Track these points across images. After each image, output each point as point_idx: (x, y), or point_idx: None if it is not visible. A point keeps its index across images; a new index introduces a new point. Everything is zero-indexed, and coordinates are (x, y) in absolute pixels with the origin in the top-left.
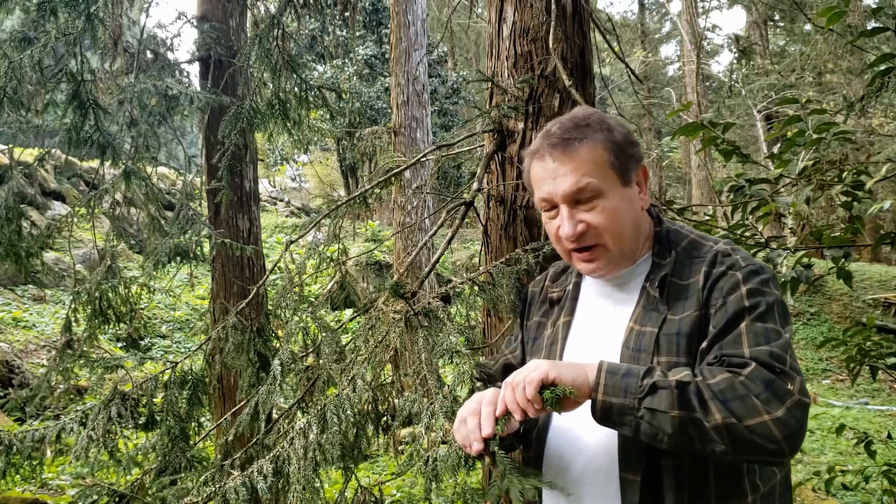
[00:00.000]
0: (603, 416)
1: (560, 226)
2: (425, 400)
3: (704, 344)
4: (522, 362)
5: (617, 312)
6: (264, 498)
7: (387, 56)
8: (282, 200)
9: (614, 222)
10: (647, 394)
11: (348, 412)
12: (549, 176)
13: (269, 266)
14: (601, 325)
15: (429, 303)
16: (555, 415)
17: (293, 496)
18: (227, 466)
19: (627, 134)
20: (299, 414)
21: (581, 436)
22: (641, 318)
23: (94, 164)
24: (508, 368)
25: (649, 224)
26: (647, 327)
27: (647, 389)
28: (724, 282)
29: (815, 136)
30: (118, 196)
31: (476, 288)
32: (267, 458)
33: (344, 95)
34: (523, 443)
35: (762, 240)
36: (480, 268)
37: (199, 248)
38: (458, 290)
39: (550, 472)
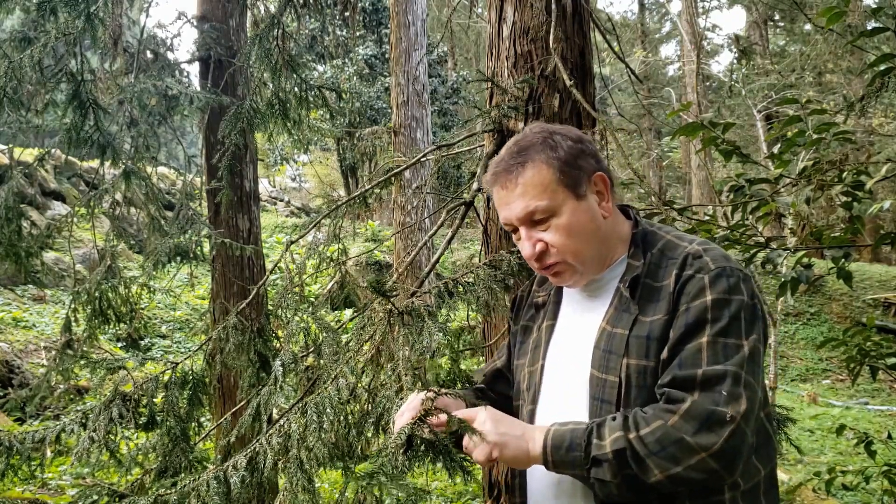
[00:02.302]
0: (559, 467)
1: (522, 247)
2: (397, 398)
3: (665, 353)
4: (509, 367)
5: (593, 315)
6: (235, 493)
7: (387, 56)
8: (282, 200)
9: (571, 239)
10: (592, 465)
11: (328, 410)
12: (501, 203)
13: (269, 266)
14: (579, 328)
15: (411, 302)
16: (538, 414)
17: (283, 496)
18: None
19: (576, 147)
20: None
21: None
22: (613, 318)
23: (94, 164)
24: (497, 373)
25: (627, 226)
26: (618, 328)
27: (591, 462)
28: (692, 286)
29: (815, 136)
30: (118, 196)
31: (461, 289)
32: (242, 453)
33: (344, 95)
34: None
35: (762, 240)
36: (462, 270)
37: (199, 248)
38: (441, 290)
39: (535, 471)
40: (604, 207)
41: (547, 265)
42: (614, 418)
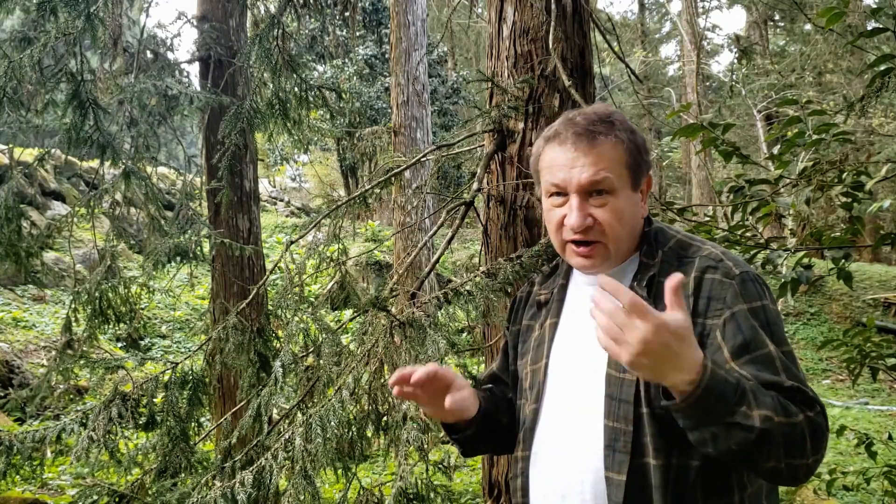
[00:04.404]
0: (685, 410)
1: (567, 215)
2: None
3: (731, 364)
4: (505, 369)
5: None
6: None
7: (387, 56)
8: (282, 200)
9: (619, 223)
10: (728, 427)
11: (333, 423)
12: (567, 164)
13: (269, 266)
14: (588, 325)
15: (412, 312)
16: (542, 413)
17: (287, 502)
18: (227, 468)
19: (644, 142)
20: (299, 415)
21: (568, 434)
22: None
23: (94, 164)
24: (494, 378)
25: (640, 224)
26: None
27: (730, 425)
28: (723, 291)
29: (814, 136)
30: (118, 196)
31: (461, 299)
32: (249, 469)
33: (344, 95)
34: (487, 439)
35: (762, 240)
36: (459, 278)
37: (199, 248)
38: (440, 300)
39: (539, 473)
40: (643, 207)
41: (588, 240)
42: (756, 388)
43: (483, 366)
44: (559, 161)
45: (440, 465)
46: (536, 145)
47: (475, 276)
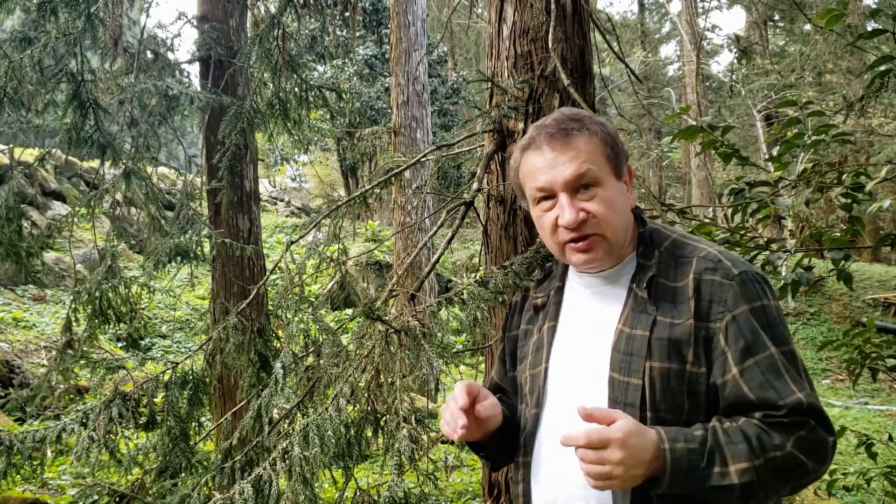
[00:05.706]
0: (664, 492)
1: (560, 215)
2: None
3: (735, 370)
4: (505, 377)
5: (602, 315)
6: None
7: (387, 56)
8: (282, 200)
9: (612, 212)
10: (709, 491)
11: (329, 433)
12: (547, 165)
13: (269, 266)
14: (587, 328)
15: (407, 322)
16: (543, 418)
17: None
18: (227, 469)
19: (617, 133)
20: (299, 416)
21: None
22: (630, 320)
23: (95, 164)
24: (496, 387)
25: (633, 224)
26: (638, 330)
27: (709, 490)
28: (724, 293)
29: (814, 137)
30: (118, 196)
31: (455, 308)
32: (247, 479)
33: (344, 95)
34: (509, 447)
35: (762, 242)
36: (457, 282)
37: (199, 248)
38: (434, 308)
39: (541, 478)
40: (630, 197)
41: (584, 235)
42: (729, 436)
43: (483, 366)
44: (539, 165)
45: (430, 476)
46: (513, 158)
47: (468, 286)
